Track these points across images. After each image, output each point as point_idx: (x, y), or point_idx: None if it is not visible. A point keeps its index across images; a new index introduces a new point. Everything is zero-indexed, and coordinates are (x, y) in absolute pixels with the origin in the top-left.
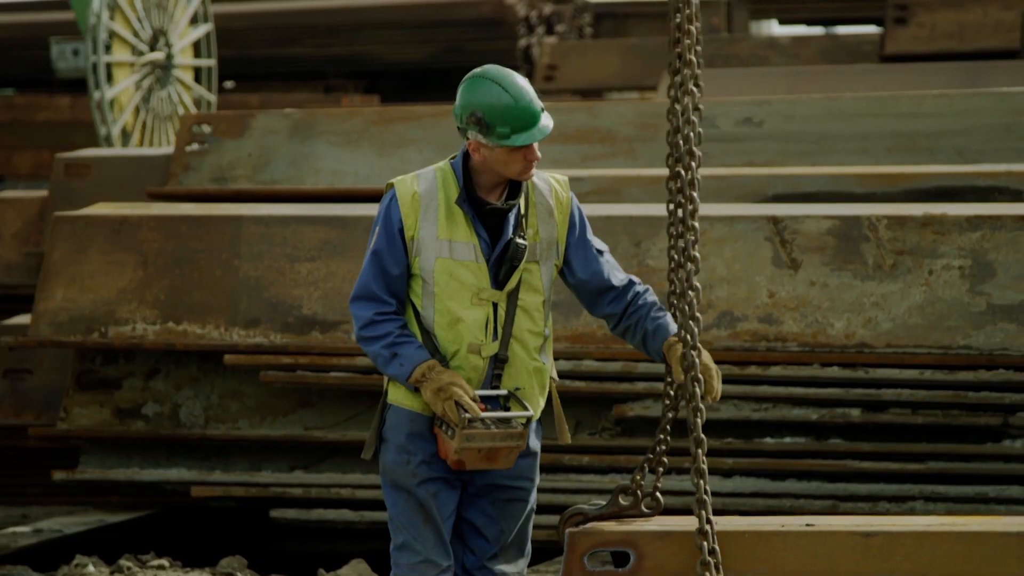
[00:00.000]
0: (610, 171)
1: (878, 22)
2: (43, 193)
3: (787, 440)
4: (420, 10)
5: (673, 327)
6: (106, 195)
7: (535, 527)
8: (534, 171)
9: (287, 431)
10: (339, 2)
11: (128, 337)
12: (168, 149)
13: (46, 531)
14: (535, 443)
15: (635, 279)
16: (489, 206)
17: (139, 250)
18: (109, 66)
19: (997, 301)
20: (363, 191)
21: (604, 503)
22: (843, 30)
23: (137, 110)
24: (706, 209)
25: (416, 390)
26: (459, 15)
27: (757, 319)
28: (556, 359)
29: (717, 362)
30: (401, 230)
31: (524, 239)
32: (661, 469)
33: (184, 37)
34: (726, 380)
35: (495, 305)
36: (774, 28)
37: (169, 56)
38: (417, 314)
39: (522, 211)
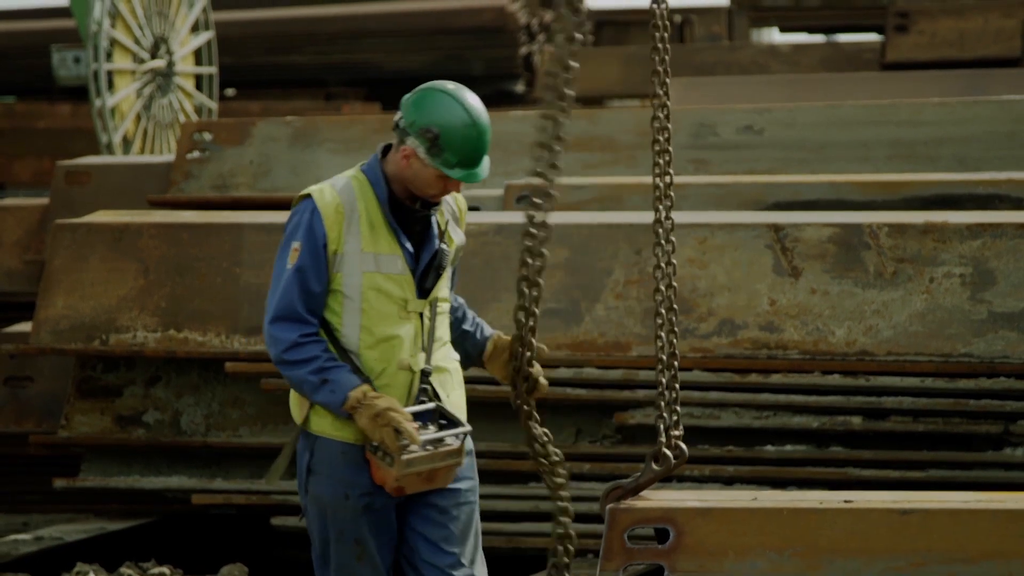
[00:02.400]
0: (611, 179)
1: (879, 30)
2: (44, 201)
3: (788, 448)
4: (421, 18)
5: (488, 329)
6: (107, 203)
7: (537, 535)
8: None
9: (288, 439)
10: (340, 10)
11: (129, 345)
12: (169, 157)
13: (47, 538)
14: (469, 443)
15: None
16: (417, 213)
17: (140, 258)
18: (110, 74)
19: (998, 309)
20: None
21: (640, 473)
22: (844, 38)
23: (138, 118)
24: (707, 217)
25: (347, 417)
26: (460, 23)
27: (758, 327)
28: (556, 367)
29: (717, 370)
30: (325, 245)
31: (446, 245)
32: (675, 418)
33: (185, 45)
34: (727, 388)
35: (421, 316)
36: (775, 36)
37: (170, 64)
38: (333, 333)
39: (440, 219)
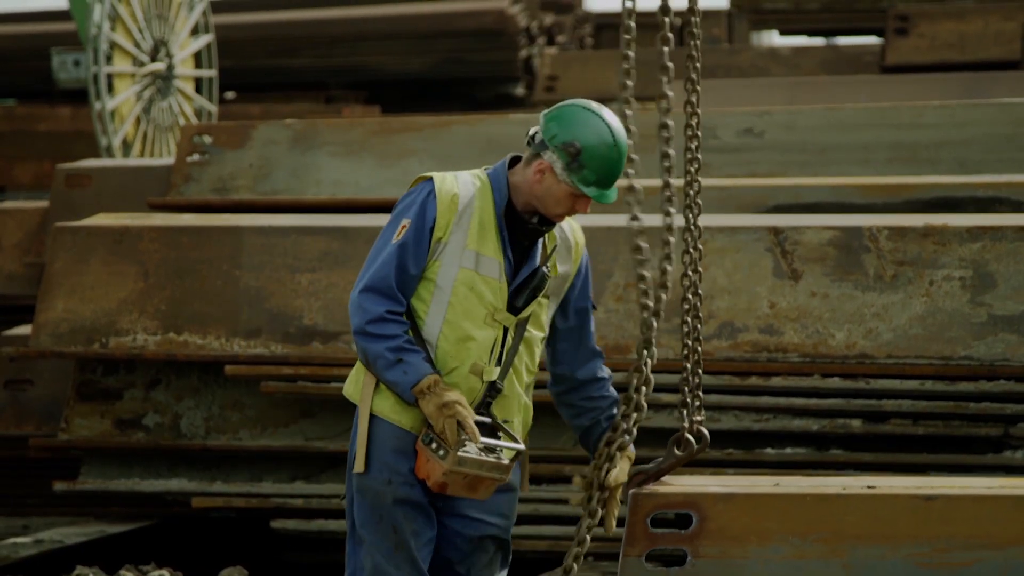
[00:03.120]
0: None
1: (879, 33)
2: (44, 204)
3: (788, 451)
4: (421, 21)
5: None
6: (107, 206)
7: (535, 537)
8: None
9: (288, 442)
10: (340, 13)
11: (129, 348)
12: (169, 160)
13: (47, 541)
14: (515, 479)
15: (602, 354)
16: (529, 225)
17: (140, 261)
18: (110, 77)
19: (998, 312)
20: (364, 202)
21: (662, 458)
22: (844, 41)
23: (138, 121)
24: (707, 220)
25: (411, 403)
26: (460, 26)
27: (758, 330)
28: None
29: (717, 372)
30: (433, 229)
31: (548, 270)
32: (698, 403)
33: (185, 48)
34: (728, 391)
35: (505, 330)
36: (775, 39)
37: (170, 67)
38: (416, 320)
39: (549, 243)
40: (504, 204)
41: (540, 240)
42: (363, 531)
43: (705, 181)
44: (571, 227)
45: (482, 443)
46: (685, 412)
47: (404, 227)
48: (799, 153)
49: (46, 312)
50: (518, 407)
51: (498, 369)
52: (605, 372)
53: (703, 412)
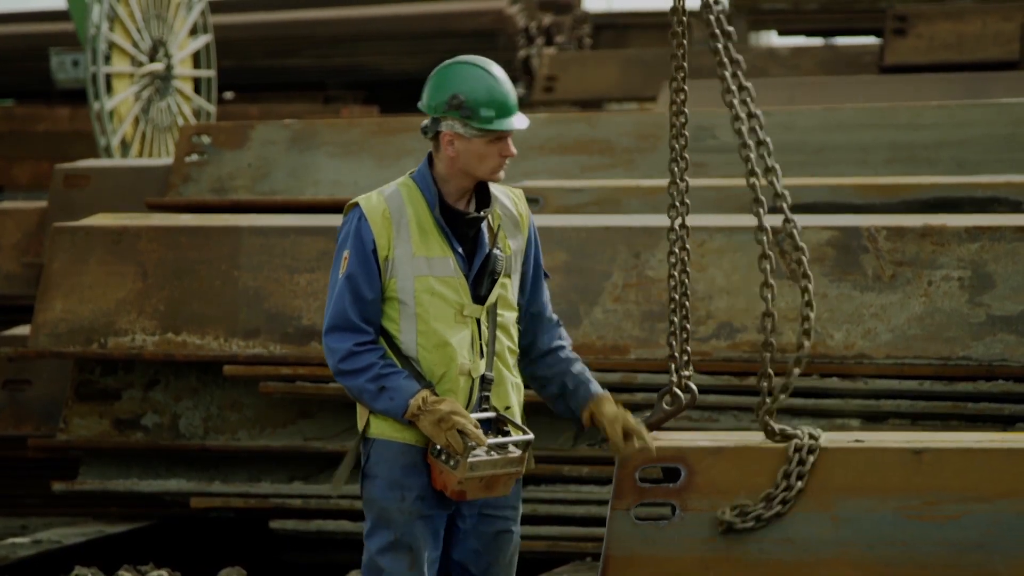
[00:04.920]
0: (609, 182)
1: (877, 33)
2: (42, 204)
3: None
4: (419, 21)
5: (595, 386)
6: (105, 206)
7: (537, 538)
8: (503, 174)
9: (286, 442)
10: (338, 13)
11: (127, 348)
12: (167, 160)
13: (45, 542)
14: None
15: (560, 323)
16: (467, 215)
17: (138, 261)
18: (109, 77)
19: (996, 312)
20: None
21: (651, 413)
22: (842, 41)
23: (137, 121)
24: (705, 220)
25: (409, 423)
26: (458, 26)
27: (756, 330)
28: None
29: (716, 372)
30: (375, 250)
31: (500, 251)
32: (686, 358)
33: (184, 48)
34: (726, 391)
35: (478, 322)
36: (773, 39)
37: (169, 67)
38: (392, 340)
39: (493, 222)
40: (436, 201)
41: (485, 224)
42: (379, 558)
43: (704, 181)
44: (513, 200)
45: (490, 443)
46: (673, 367)
47: (346, 258)
48: (798, 153)
49: (44, 312)
50: (511, 389)
51: (484, 361)
52: (565, 339)
53: (691, 367)
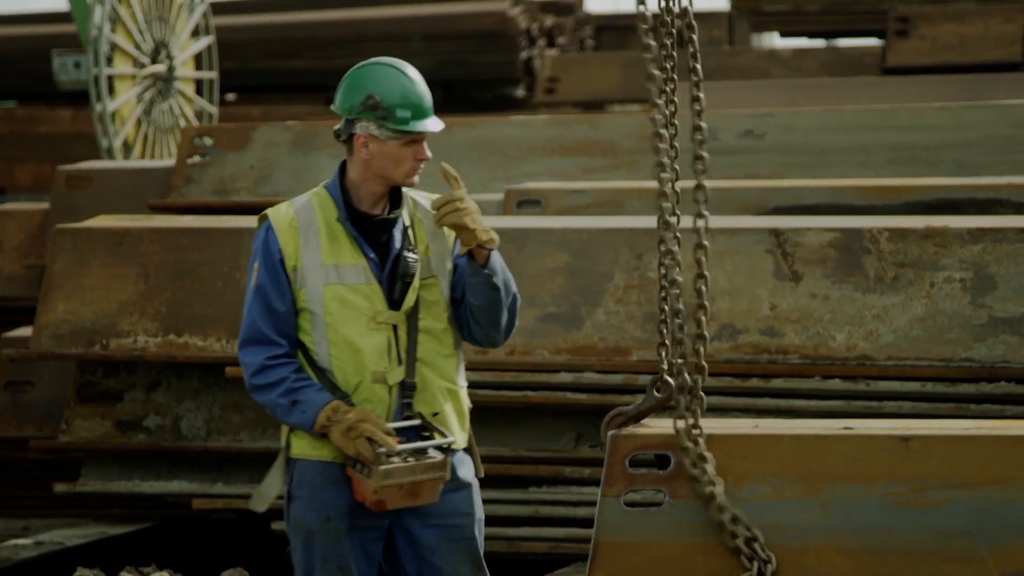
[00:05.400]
0: (611, 183)
1: (879, 34)
2: (44, 205)
3: None
4: (421, 23)
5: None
6: (107, 207)
7: (539, 540)
8: (418, 178)
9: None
10: (340, 15)
11: (129, 349)
12: (169, 161)
13: (47, 543)
14: (467, 474)
15: None
16: (375, 218)
17: (140, 262)
18: (111, 78)
19: (998, 314)
20: None
21: (641, 400)
22: (844, 42)
23: (139, 122)
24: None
25: (323, 436)
26: (460, 28)
27: (759, 331)
28: (557, 371)
29: (718, 374)
30: (282, 260)
31: (414, 253)
32: (679, 348)
33: (186, 49)
34: (728, 392)
35: (395, 328)
36: (775, 40)
37: (171, 68)
38: (308, 352)
39: (408, 224)
40: (346, 207)
41: (399, 228)
42: (305, 573)
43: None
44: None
45: (404, 448)
46: (664, 354)
47: (256, 271)
48: (799, 155)
49: (46, 314)
50: (444, 396)
51: (402, 368)
52: None
53: (683, 355)
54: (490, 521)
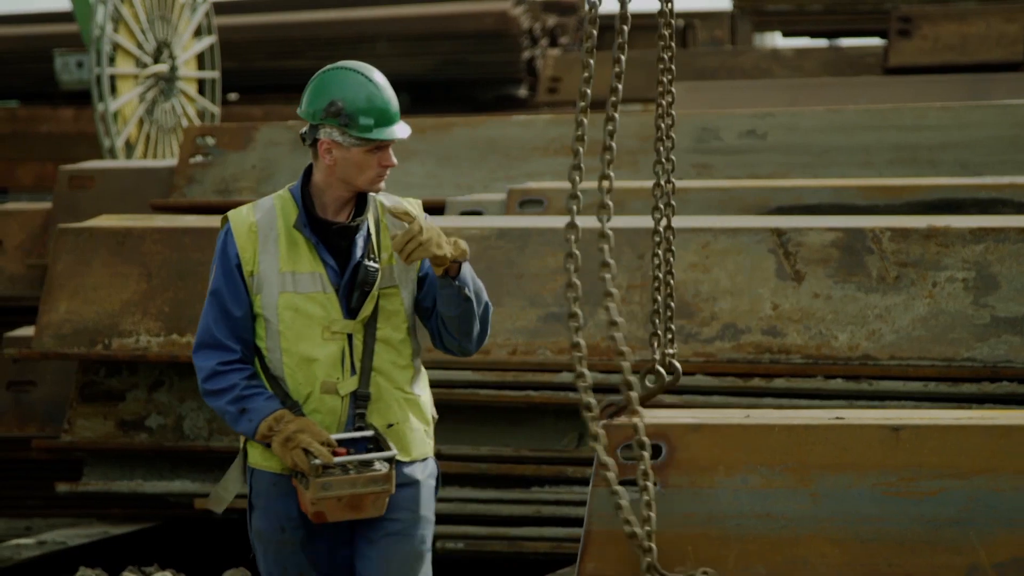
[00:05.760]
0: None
1: (882, 34)
2: (47, 205)
3: None
4: (422, 22)
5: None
6: (110, 207)
7: (541, 540)
8: (384, 184)
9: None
10: (342, 15)
11: (132, 349)
12: (172, 161)
13: (49, 543)
14: (416, 472)
15: None
16: (334, 226)
17: (143, 262)
18: (113, 78)
19: (1001, 313)
20: None
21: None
22: (847, 42)
23: (141, 122)
24: (709, 221)
25: (268, 446)
26: (462, 27)
27: (761, 331)
28: (559, 371)
29: (720, 374)
30: (239, 265)
31: (375, 262)
32: (670, 336)
33: (188, 49)
34: (730, 392)
35: (350, 337)
36: (778, 40)
37: (173, 68)
38: (263, 359)
39: (372, 232)
40: (306, 213)
41: (362, 234)
42: None
43: (708, 183)
44: (406, 210)
45: (346, 460)
46: (656, 344)
47: (214, 274)
48: (801, 155)
49: (49, 313)
50: (402, 406)
51: (355, 379)
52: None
53: (675, 345)
54: (493, 521)
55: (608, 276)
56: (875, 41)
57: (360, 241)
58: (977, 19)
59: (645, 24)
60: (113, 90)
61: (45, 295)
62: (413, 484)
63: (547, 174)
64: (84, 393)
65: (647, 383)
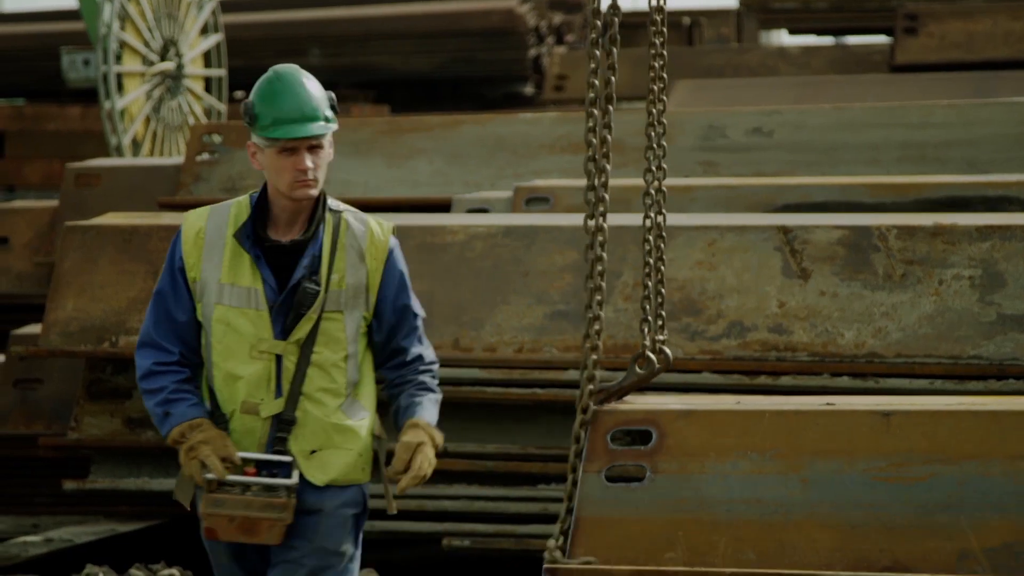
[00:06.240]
0: (619, 181)
1: (888, 32)
2: (54, 203)
3: None
4: (430, 20)
5: (422, 411)
6: (116, 205)
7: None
8: (313, 192)
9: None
10: (349, 12)
11: None
12: (178, 159)
13: (56, 540)
14: (322, 502)
15: (427, 356)
16: (269, 243)
17: (149, 260)
18: (120, 76)
19: (1007, 311)
20: (372, 201)
21: (623, 376)
22: (853, 40)
23: (147, 120)
24: (716, 219)
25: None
26: (469, 25)
27: (767, 329)
28: (566, 368)
29: (726, 372)
30: (182, 269)
31: (317, 284)
32: (660, 322)
33: (194, 47)
34: (737, 390)
35: (279, 358)
36: (784, 38)
37: (179, 66)
38: (206, 367)
39: (324, 252)
40: (252, 225)
41: (310, 253)
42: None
43: (714, 180)
44: (367, 231)
45: (247, 481)
46: (646, 330)
47: (161, 273)
48: (808, 152)
49: (56, 311)
50: (329, 433)
51: (280, 401)
52: (423, 364)
53: (665, 331)
54: (499, 518)
55: (598, 269)
56: (881, 39)
57: (306, 260)
58: (983, 17)
59: (640, 23)
60: (120, 88)
61: (52, 293)
62: (316, 513)
63: (554, 172)
64: (91, 391)
65: (637, 369)
